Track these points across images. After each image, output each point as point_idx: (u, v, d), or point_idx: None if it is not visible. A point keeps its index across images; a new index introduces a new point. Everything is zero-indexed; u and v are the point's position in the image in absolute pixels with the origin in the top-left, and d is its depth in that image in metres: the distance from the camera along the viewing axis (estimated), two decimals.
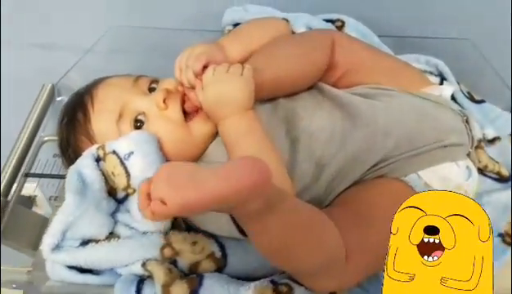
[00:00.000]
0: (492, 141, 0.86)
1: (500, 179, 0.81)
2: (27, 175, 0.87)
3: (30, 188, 0.95)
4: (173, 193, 0.48)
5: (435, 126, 0.73)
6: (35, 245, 0.79)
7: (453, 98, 0.85)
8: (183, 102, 0.76)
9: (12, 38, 1.05)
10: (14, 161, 0.86)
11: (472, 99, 0.91)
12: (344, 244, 0.60)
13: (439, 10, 0.99)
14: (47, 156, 0.92)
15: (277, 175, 0.64)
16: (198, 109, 0.75)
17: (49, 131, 0.93)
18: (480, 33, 0.97)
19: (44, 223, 0.82)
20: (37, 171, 0.88)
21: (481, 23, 0.98)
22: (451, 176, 0.71)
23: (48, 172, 0.90)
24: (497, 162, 0.82)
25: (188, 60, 0.74)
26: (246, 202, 0.49)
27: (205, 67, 0.72)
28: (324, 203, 0.72)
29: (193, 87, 0.74)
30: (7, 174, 0.84)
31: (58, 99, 0.97)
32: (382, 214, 0.64)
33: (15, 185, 0.86)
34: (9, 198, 0.82)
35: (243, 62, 0.74)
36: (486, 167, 0.80)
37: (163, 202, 0.48)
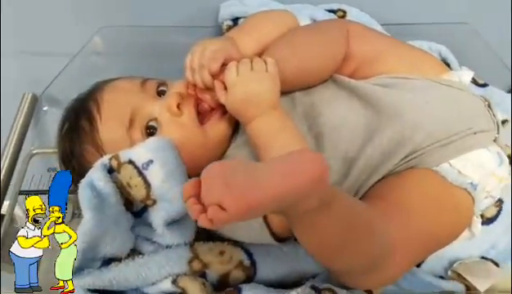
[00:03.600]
0: (502, 124, 0.84)
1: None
2: (21, 192, 0.80)
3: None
4: (234, 196, 0.43)
5: (463, 113, 0.71)
6: None
7: None
8: (197, 105, 0.71)
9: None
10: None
11: (475, 82, 0.90)
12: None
13: None
14: (41, 171, 0.85)
15: None
16: (212, 110, 0.71)
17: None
18: (478, 16, 0.96)
19: None
20: (31, 187, 0.82)
21: (479, 6, 0.97)
22: (484, 163, 0.69)
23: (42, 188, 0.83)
24: (508, 145, 0.81)
25: (202, 59, 0.68)
26: (306, 197, 0.45)
27: (223, 65, 0.68)
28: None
29: (208, 88, 0.70)
30: None
31: (44, 108, 0.91)
32: (419, 204, 0.63)
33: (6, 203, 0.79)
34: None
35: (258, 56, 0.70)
36: None
37: (222, 207, 0.43)
